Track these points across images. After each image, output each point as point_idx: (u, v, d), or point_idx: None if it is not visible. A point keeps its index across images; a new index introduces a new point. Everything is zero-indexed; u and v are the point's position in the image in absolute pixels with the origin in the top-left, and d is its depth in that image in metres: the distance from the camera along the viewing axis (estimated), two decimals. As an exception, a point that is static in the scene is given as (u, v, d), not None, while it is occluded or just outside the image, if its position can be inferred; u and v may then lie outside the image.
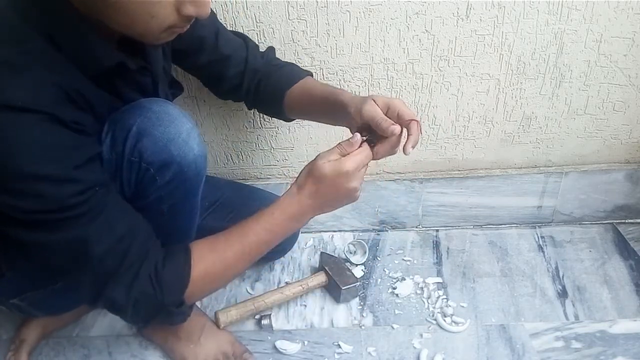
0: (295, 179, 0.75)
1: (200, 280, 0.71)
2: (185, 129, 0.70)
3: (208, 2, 0.61)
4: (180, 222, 0.78)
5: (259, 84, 0.94)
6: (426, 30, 1.05)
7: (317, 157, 0.73)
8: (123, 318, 0.72)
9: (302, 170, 0.75)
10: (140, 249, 0.67)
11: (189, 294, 0.72)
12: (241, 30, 1.04)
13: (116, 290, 0.67)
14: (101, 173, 0.65)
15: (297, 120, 1.16)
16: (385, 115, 0.73)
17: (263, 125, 1.17)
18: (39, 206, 0.59)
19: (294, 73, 0.93)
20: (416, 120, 0.73)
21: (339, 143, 0.73)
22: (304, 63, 1.08)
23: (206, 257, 0.73)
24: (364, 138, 0.74)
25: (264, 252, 0.76)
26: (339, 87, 0.90)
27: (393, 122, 0.71)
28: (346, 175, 0.71)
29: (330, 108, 0.82)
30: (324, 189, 0.72)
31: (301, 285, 1.08)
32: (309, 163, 0.74)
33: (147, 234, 0.70)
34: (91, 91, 0.65)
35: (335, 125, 0.89)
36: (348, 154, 0.72)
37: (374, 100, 0.74)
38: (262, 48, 1.05)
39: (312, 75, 0.96)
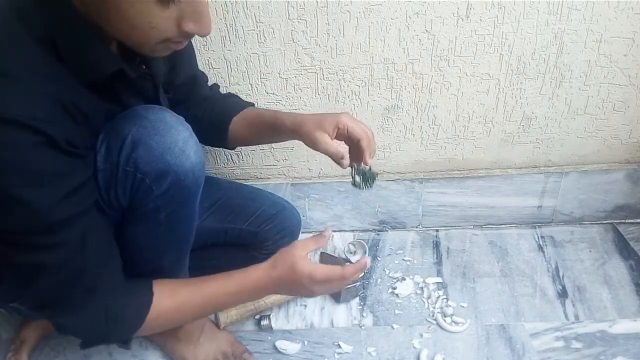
0: (271, 262, 0.77)
1: (150, 326, 0.73)
2: (182, 137, 0.69)
3: (209, 21, 0.61)
4: (178, 231, 0.78)
5: (205, 111, 0.94)
6: (426, 30, 1.05)
7: (295, 246, 0.77)
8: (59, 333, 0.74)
9: (282, 254, 0.77)
10: (89, 283, 0.66)
11: (137, 333, 0.74)
12: (241, 31, 1.04)
13: (57, 315, 0.69)
14: (83, 201, 0.64)
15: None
16: (337, 135, 0.80)
17: (263, 125, 1.17)
18: (8, 225, 0.58)
19: (240, 102, 0.97)
20: (366, 135, 0.79)
21: (314, 237, 0.80)
22: (304, 63, 1.08)
23: (165, 305, 0.74)
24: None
25: (219, 311, 0.86)
26: (297, 112, 0.95)
27: (343, 156, 0.79)
28: (312, 280, 0.75)
29: (276, 131, 0.87)
30: (295, 285, 0.76)
31: (301, 286, 1.08)
32: (291, 252, 0.76)
33: (100, 267, 0.68)
34: (88, 101, 0.63)
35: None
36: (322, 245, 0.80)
37: (324, 124, 0.79)
38: (263, 47, 1.06)
39: (254, 105, 0.99)
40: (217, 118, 0.93)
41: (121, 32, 0.60)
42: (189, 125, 0.72)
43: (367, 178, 0.86)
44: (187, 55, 0.91)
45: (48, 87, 0.58)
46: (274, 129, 0.87)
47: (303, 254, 0.76)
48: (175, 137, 0.68)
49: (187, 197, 0.74)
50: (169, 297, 0.74)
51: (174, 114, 0.71)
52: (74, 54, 0.60)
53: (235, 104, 0.96)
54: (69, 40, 0.59)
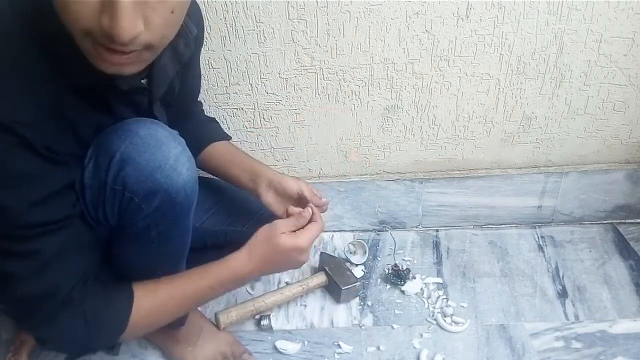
0: (248, 242, 0.77)
1: (134, 330, 0.71)
2: (173, 153, 0.66)
3: (124, 23, 0.51)
4: (171, 247, 0.76)
5: (185, 126, 0.89)
6: (426, 30, 1.05)
7: (274, 224, 0.78)
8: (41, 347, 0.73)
9: (257, 235, 0.77)
10: (66, 295, 0.64)
11: (122, 338, 0.72)
12: (241, 31, 1.04)
13: (36, 328, 0.66)
14: (60, 209, 0.62)
15: (296, 120, 1.16)
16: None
17: (263, 125, 1.17)
18: None
19: (220, 131, 1.00)
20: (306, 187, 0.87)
21: (294, 215, 0.81)
22: (304, 63, 1.08)
23: (147, 306, 0.71)
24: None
25: (203, 304, 0.85)
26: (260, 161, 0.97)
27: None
28: (300, 250, 0.77)
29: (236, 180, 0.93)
30: (276, 258, 0.77)
31: (301, 286, 1.08)
32: (266, 229, 0.78)
33: (78, 280, 0.65)
34: (76, 109, 0.61)
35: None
36: (302, 227, 0.79)
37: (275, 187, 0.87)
38: (263, 47, 1.06)
39: (230, 139, 1.01)
40: (194, 137, 0.88)
41: (64, 21, 0.54)
42: (182, 140, 0.69)
43: (402, 275, 1.12)
44: (193, 71, 0.90)
45: (35, 88, 0.56)
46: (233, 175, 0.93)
47: (283, 232, 0.77)
48: (167, 154, 0.66)
49: (179, 215, 0.71)
50: (150, 298, 0.72)
51: (167, 128, 0.69)
52: (64, 59, 0.58)
53: (217, 132, 0.98)
54: (64, 45, 0.58)
